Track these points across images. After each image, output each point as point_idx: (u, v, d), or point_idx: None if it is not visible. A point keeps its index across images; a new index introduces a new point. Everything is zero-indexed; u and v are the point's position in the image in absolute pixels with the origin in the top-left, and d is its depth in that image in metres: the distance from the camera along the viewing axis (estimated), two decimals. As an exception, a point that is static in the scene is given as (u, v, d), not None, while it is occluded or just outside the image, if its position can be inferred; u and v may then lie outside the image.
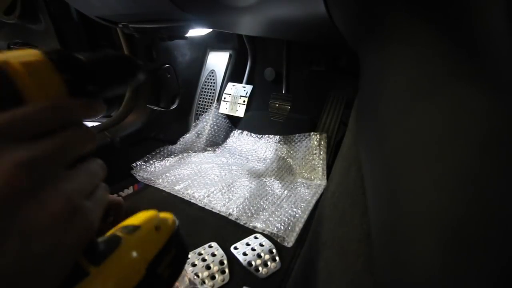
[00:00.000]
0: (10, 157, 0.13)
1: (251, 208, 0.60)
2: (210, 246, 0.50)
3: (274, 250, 0.49)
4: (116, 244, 0.21)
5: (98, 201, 0.18)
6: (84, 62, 0.18)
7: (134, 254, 0.22)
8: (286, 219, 0.56)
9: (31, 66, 0.15)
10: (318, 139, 0.77)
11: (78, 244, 0.16)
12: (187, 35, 0.71)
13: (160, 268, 0.24)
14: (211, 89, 0.99)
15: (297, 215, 0.58)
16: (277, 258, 0.48)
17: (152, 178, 0.73)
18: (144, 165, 0.79)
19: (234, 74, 0.98)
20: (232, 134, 0.96)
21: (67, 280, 0.16)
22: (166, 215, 0.28)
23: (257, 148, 0.89)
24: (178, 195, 0.66)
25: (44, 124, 0.15)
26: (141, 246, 0.23)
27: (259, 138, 0.90)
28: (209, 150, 0.91)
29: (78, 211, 0.15)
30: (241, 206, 0.60)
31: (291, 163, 0.81)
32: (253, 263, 0.46)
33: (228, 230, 0.55)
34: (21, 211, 0.13)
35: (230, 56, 0.97)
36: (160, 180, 0.72)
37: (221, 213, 0.59)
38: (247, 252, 0.48)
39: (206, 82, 1.00)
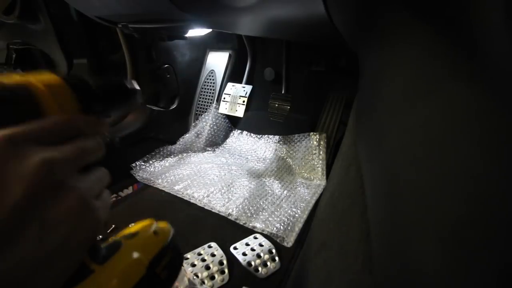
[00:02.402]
0: (36, 156, 0.16)
1: (250, 208, 0.60)
2: (209, 246, 0.49)
3: (273, 250, 0.49)
4: (117, 248, 0.24)
5: (104, 202, 0.21)
6: (92, 86, 0.22)
7: (135, 254, 0.24)
8: (286, 219, 0.56)
9: (52, 87, 0.19)
10: (317, 139, 0.77)
11: (87, 239, 0.18)
12: (187, 35, 0.71)
13: (158, 269, 0.26)
14: (210, 89, 0.99)
15: (296, 215, 0.58)
16: (276, 258, 0.48)
17: (152, 178, 0.73)
18: (143, 165, 0.79)
19: (233, 74, 0.98)
20: (231, 134, 0.96)
21: (74, 277, 0.18)
22: (162, 223, 0.31)
23: (256, 148, 0.89)
24: (177, 195, 0.66)
25: (61, 133, 0.19)
26: (141, 248, 0.25)
27: (259, 138, 0.90)
28: (208, 150, 0.91)
29: (89, 207, 0.18)
30: (240, 206, 0.60)
31: (291, 163, 0.81)
32: (252, 263, 0.46)
33: (228, 230, 0.55)
34: (42, 203, 0.15)
35: (230, 56, 0.97)
36: (160, 180, 0.72)
37: (221, 213, 0.59)
38: (246, 252, 0.48)
39: (205, 82, 1.00)
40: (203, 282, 0.42)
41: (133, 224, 0.30)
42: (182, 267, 0.43)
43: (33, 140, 0.17)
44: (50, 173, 0.16)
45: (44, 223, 0.15)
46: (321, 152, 0.75)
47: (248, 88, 0.93)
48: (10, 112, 0.17)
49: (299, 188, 0.69)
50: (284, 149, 0.84)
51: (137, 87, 0.28)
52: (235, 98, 0.93)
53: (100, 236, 0.25)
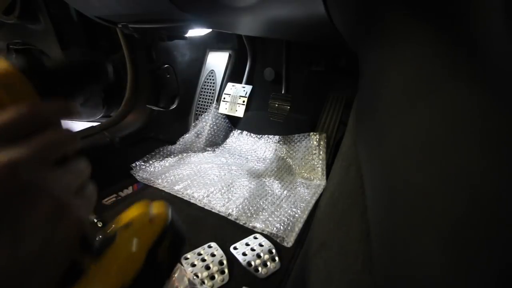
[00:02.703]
0: None
1: (250, 208, 0.60)
2: (209, 246, 0.49)
3: (273, 250, 0.49)
4: (112, 240, 0.22)
5: (86, 198, 0.19)
6: (50, 68, 0.19)
7: (131, 245, 0.22)
8: (286, 219, 0.56)
9: (2, 78, 0.16)
10: (317, 139, 0.77)
11: (69, 240, 0.16)
12: (187, 35, 0.71)
13: (159, 255, 0.24)
14: (210, 89, 0.99)
15: (296, 215, 0.58)
16: (276, 258, 0.48)
17: (152, 178, 0.73)
18: (143, 165, 0.79)
19: (233, 74, 0.98)
20: (231, 134, 0.96)
21: (69, 276, 0.17)
22: (158, 205, 0.28)
23: (256, 148, 0.89)
24: (177, 195, 0.66)
25: (22, 127, 0.16)
26: (137, 238, 0.23)
27: (259, 138, 0.90)
28: (208, 150, 0.91)
29: (66, 209, 0.16)
30: (240, 206, 0.60)
31: (291, 163, 0.81)
32: (252, 263, 0.46)
33: (228, 230, 0.55)
34: (10, 211, 0.14)
35: (230, 56, 0.97)
36: (160, 180, 0.72)
37: (221, 213, 0.59)
38: (246, 252, 0.48)
39: (205, 82, 1.00)
40: (203, 282, 0.42)
41: (127, 210, 0.27)
42: (182, 267, 0.43)
43: None
44: (15, 176, 0.14)
45: (16, 232, 0.14)
46: (321, 152, 0.75)
47: (248, 88, 0.93)
48: None
49: (299, 188, 0.69)
50: (284, 149, 0.84)
51: (103, 60, 0.25)
52: (235, 98, 0.93)
53: (96, 220, 0.22)
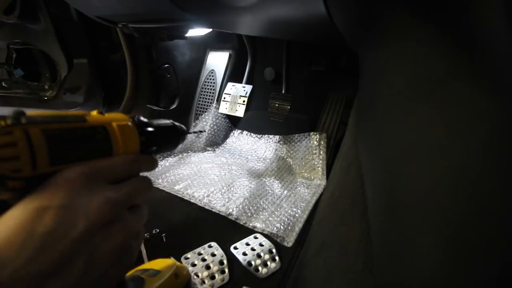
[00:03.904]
0: (102, 195, 0.17)
1: (250, 208, 0.60)
2: (209, 246, 0.49)
3: (273, 250, 0.49)
4: (141, 285, 0.25)
5: (139, 242, 0.21)
6: (154, 128, 0.24)
7: None
8: (286, 219, 0.56)
9: (123, 129, 0.21)
10: (317, 139, 0.77)
11: (118, 277, 0.19)
12: (187, 35, 0.71)
13: None
14: (211, 89, 0.99)
15: (296, 215, 0.58)
16: (276, 258, 0.48)
17: (152, 178, 0.73)
18: (143, 165, 0.79)
19: (234, 74, 0.98)
20: (231, 134, 0.96)
21: None
22: (181, 265, 0.33)
23: (256, 148, 0.89)
24: (177, 195, 0.66)
25: (126, 172, 0.20)
26: (165, 287, 0.27)
27: (259, 138, 0.90)
28: (208, 150, 0.91)
29: (129, 247, 0.19)
30: (240, 206, 0.60)
31: (291, 163, 0.81)
32: (252, 263, 0.46)
33: (228, 230, 0.55)
34: (96, 239, 0.16)
35: (230, 56, 0.97)
36: (160, 180, 0.72)
37: (221, 213, 0.59)
38: (246, 252, 0.48)
39: (206, 82, 1.00)
40: (203, 282, 0.42)
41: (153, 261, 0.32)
42: (183, 267, 0.44)
43: (103, 177, 0.18)
44: (110, 212, 0.17)
45: (91, 258, 0.16)
46: (321, 152, 0.75)
47: (248, 88, 0.93)
48: (89, 148, 0.18)
49: (299, 188, 0.69)
50: (284, 149, 0.84)
51: (184, 127, 0.29)
52: (235, 98, 0.93)
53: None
